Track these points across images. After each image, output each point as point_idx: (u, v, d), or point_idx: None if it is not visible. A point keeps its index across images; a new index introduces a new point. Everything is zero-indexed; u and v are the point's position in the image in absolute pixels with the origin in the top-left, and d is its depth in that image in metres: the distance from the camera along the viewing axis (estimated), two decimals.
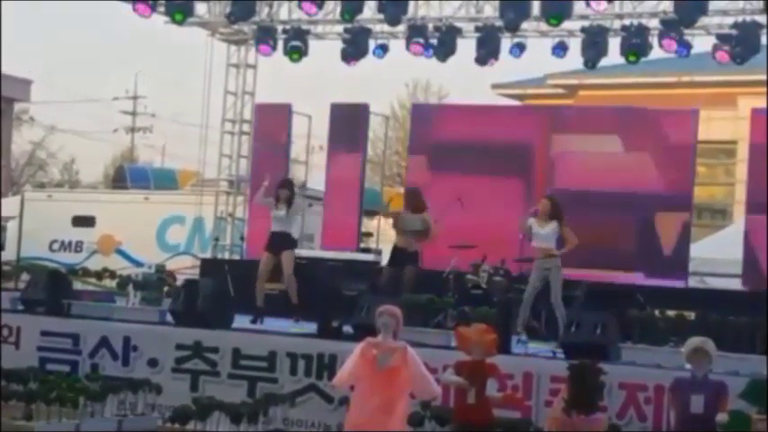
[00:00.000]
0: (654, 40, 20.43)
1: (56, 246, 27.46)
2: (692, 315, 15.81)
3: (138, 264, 24.01)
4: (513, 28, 20.37)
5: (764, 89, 24.62)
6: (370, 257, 20.01)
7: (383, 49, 22.12)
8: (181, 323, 14.89)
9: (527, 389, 12.41)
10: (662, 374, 11.85)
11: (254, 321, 15.93)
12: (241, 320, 15.64)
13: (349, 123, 21.85)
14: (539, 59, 22.47)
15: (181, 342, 14.21)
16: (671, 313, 15.90)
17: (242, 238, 22.24)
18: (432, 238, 17.02)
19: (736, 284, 18.98)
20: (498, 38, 21.20)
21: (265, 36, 22.50)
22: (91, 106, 72.89)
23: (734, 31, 20.02)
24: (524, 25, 20.76)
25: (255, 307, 16.16)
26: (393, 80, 48.08)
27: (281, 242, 16.40)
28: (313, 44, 22.47)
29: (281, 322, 16.01)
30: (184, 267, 23.23)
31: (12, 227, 27.11)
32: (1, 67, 27.00)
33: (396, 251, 17.10)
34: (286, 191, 16.64)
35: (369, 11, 21.01)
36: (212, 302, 15.10)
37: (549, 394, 12.19)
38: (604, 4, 19.48)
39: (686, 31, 20.16)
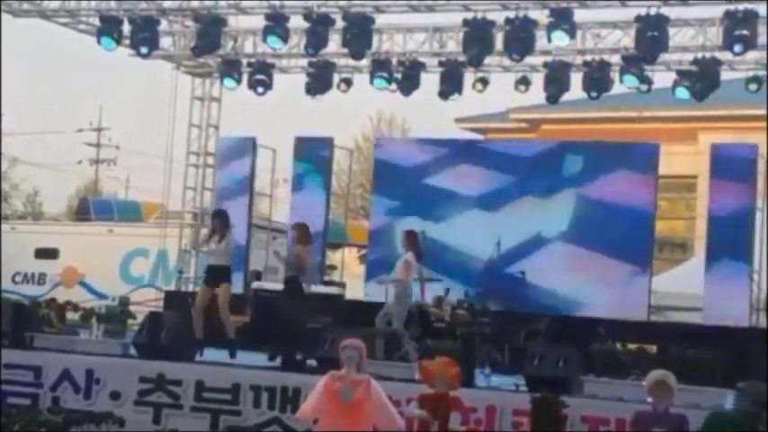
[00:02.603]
0: (615, 76, 20.66)
1: (19, 278, 27.37)
2: (653, 348, 15.93)
3: (102, 296, 23.96)
4: (476, 63, 20.53)
5: (724, 124, 24.95)
6: (334, 290, 20.03)
7: (347, 82, 22.28)
8: (144, 356, 14.84)
9: (490, 422, 12.41)
10: (624, 408, 11.90)
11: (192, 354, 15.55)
12: (211, 354, 15.56)
13: (313, 156, 21.93)
14: (502, 94, 22.68)
15: (144, 375, 14.13)
16: (632, 347, 16.03)
17: None
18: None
19: (696, 318, 19.15)
20: (462, 72, 21.38)
21: (230, 69, 22.59)
22: (54, 138, 72.58)
23: (694, 68, 20.28)
24: (487, 60, 20.93)
25: (195, 340, 15.60)
26: (357, 113, 48.25)
27: (216, 275, 15.87)
28: (277, 78, 22.58)
29: (245, 355, 15.98)
30: (148, 300, 23.18)
31: None
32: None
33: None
34: (218, 221, 16.21)
35: (333, 45, 21.12)
36: (176, 335, 15.06)
37: (512, 427, 12.23)
38: (566, 40, 19.64)
39: (647, 67, 20.40)
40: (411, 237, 17.17)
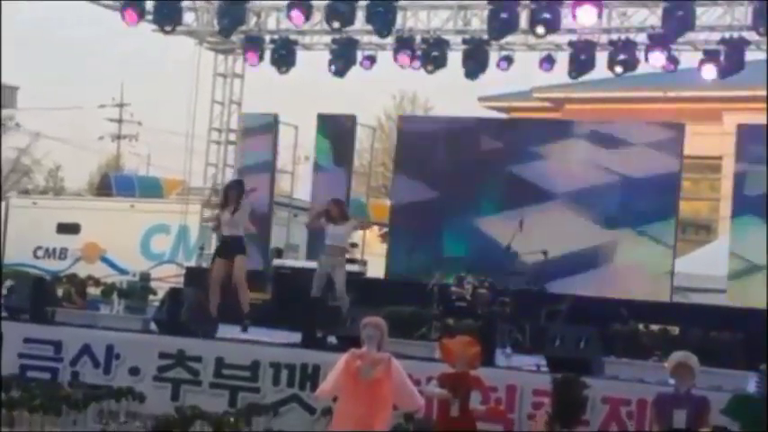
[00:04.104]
0: (641, 55, 20.49)
1: (40, 252, 27.39)
2: (675, 330, 15.80)
3: (123, 271, 23.97)
4: (496, 37, 20.39)
5: (749, 105, 24.66)
6: (355, 268, 19.96)
7: (371, 60, 22.17)
8: (164, 332, 14.83)
9: (510, 402, 12.37)
10: (645, 389, 11.84)
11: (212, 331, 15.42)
12: (225, 330, 15.55)
13: (336, 134, 21.86)
14: (526, 73, 22.53)
15: (164, 350, 14.13)
16: (655, 328, 15.90)
17: None
18: None
19: (719, 299, 19.03)
20: (486, 50, 21.25)
21: (253, 46, 22.51)
22: (76, 113, 72.77)
23: (721, 47, 20.10)
24: (512, 38, 20.81)
25: (210, 318, 15.43)
26: (380, 91, 48.19)
27: (231, 247, 15.79)
28: (300, 54, 22.49)
29: (266, 332, 15.94)
30: (169, 276, 23.17)
31: None
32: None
33: None
34: (235, 192, 16.02)
35: (357, 22, 21.02)
36: (196, 311, 15.05)
37: (532, 407, 12.17)
38: (592, 19, 19.50)
39: (673, 47, 20.24)
40: (341, 205, 17.32)
